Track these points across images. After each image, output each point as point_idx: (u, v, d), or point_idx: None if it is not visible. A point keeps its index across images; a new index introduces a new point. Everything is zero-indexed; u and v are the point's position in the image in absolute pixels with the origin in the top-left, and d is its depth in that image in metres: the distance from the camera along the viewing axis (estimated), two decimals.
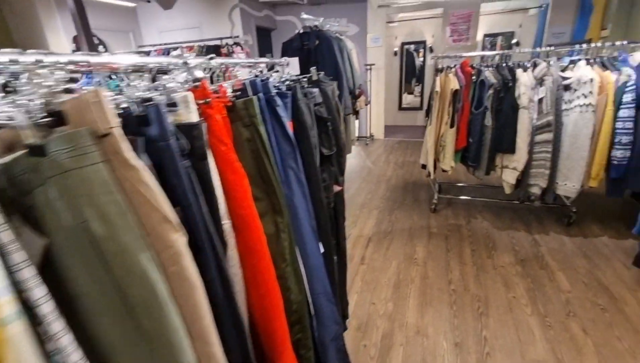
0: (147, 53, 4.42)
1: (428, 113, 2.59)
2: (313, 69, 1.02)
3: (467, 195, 3.09)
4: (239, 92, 0.64)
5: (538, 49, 2.29)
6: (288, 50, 2.91)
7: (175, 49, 4.34)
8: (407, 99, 7.07)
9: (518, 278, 1.92)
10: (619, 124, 1.98)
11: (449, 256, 2.17)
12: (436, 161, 2.57)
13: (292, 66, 1.26)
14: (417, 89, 6.98)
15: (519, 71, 2.15)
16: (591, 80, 1.97)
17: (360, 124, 5.80)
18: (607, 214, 2.59)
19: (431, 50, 6.41)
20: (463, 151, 2.41)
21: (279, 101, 0.67)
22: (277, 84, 0.74)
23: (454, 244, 2.31)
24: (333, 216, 1.13)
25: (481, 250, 2.22)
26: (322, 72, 1.20)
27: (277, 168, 0.64)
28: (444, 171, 2.59)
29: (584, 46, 2.17)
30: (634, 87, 1.91)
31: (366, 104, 3.66)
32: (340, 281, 1.23)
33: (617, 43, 2.08)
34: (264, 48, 5.69)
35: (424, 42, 6.45)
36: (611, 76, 1.97)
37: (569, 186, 2.16)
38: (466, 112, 2.27)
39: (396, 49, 6.63)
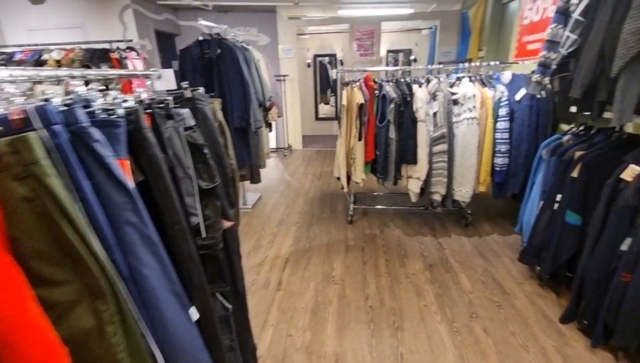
0: (10, 56, 3.63)
1: (340, 124, 2.61)
2: (184, 84, 0.84)
3: (381, 204, 3.20)
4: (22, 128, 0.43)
5: (430, 66, 2.47)
6: (187, 59, 2.63)
7: (50, 51, 3.63)
8: (324, 109, 7.23)
9: (428, 285, 1.99)
10: (497, 135, 2.23)
11: (366, 270, 2.16)
12: (349, 173, 2.58)
13: (165, 79, 1.05)
14: (332, 100, 7.18)
15: (415, 87, 2.28)
16: (474, 95, 2.19)
17: (277, 135, 5.68)
18: (495, 214, 2.93)
19: (342, 63, 6.68)
20: (372, 162, 2.46)
21: (97, 134, 0.47)
22: (108, 107, 0.54)
23: (369, 255, 2.32)
24: (225, 257, 0.96)
25: (394, 259, 2.27)
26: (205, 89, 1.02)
27: (93, 230, 0.44)
28: (356, 182, 2.62)
29: (466, 64, 2.42)
30: (507, 102, 2.18)
31: (279, 116, 3.56)
32: (241, 330, 1.06)
33: (491, 63, 2.36)
34: (168, 55, 5.18)
35: (335, 55, 6.69)
36: (489, 93, 2.22)
37: (463, 191, 2.36)
38: (372, 126, 2.32)
39: (309, 60, 6.73)
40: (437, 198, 2.41)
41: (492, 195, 2.40)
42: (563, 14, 1.72)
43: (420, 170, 2.31)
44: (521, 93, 2.20)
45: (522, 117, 2.19)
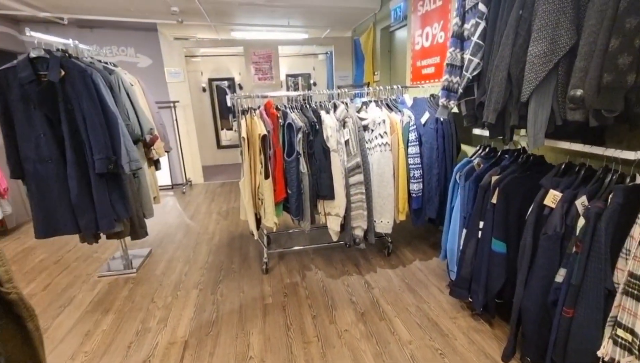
0: None
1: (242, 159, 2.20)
2: None
3: (299, 243, 2.85)
4: None
5: (334, 91, 2.29)
6: (11, 84, 1.86)
7: None
8: (227, 135, 6.66)
9: (364, 342, 1.70)
10: (410, 161, 2.14)
11: (291, 337, 1.75)
12: (258, 215, 2.18)
13: None
14: (236, 125, 6.69)
15: (322, 113, 2.04)
16: (384, 121, 2.06)
17: (172, 170, 4.90)
18: (412, 238, 2.88)
19: (240, 87, 6.30)
20: (284, 201, 2.11)
21: None
22: None
23: (294, 315, 1.93)
24: None
25: (322, 313, 1.93)
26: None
27: None
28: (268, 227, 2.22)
29: (369, 88, 2.31)
30: (414, 126, 2.11)
31: (167, 151, 2.95)
32: None
33: (394, 87, 2.31)
34: None
35: (232, 79, 6.27)
36: (396, 117, 2.13)
37: (384, 222, 2.20)
38: (279, 160, 1.99)
39: (204, 85, 6.15)
40: (359, 233, 2.18)
41: (412, 222, 2.29)
42: (459, 38, 1.69)
43: (339, 205, 2.05)
44: (425, 116, 2.17)
45: (429, 141, 2.15)
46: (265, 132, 1.91)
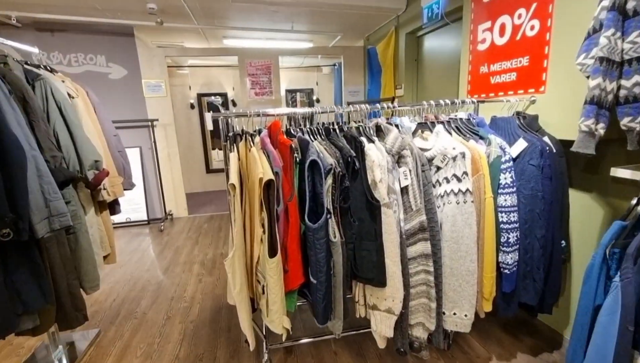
0: None
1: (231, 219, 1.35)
2: None
3: (314, 330, 1.99)
4: None
5: (377, 106, 1.50)
6: None
7: None
8: (219, 155, 5.85)
9: None
10: (502, 217, 1.34)
11: None
12: (256, 305, 1.33)
13: None
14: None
15: (364, 141, 1.24)
16: (462, 154, 1.27)
17: (149, 203, 4.04)
18: (481, 321, 2.04)
19: (234, 104, 5.55)
20: (301, 287, 1.27)
21: None
22: None
23: None
24: None
25: None
26: None
27: None
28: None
29: (409, 105, 1.53)
30: (510, 163, 1.32)
31: (128, 188, 2.11)
32: None
33: (463, 100, 1.53)
34: None
35: (225, 95, 5.52)
36: (479, 148, 1.34)
37: (459, 316, 1.37)
38: (294, 223, 1.16)
39: (192, 100, 5.38)
40: (419, 334, 1.35)
41: (497, 311, 1.46)
42: (621, 14, 0.94)
43: (393, 294, 1.23)
44: (520, 147, 1.39)
45: (530, 186, 1.36)
46: (271, 176, 1.10)
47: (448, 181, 1.31)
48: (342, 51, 4.47)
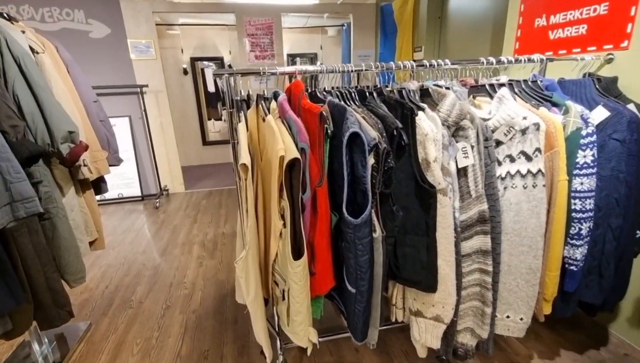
0: None
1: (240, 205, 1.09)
2: None
3: (333, 325, 1.79)
4: None
5: (391, 65, 1.19)
6: None
7: None
8: (215, 126, 5.49)
9: None
10: (576, 205, 1.09)
11: None
12: (274, 306, 1.10)
13: None
14: (226, 114, 5.51)
15: (414, 109, 0.95)
16: (537, 126, 0.99)
17: (142, 178, 3.75)
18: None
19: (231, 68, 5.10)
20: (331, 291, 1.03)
21: None
22: None
23: None
24: None
25: None
26: None
27: None
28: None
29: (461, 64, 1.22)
30: (593, 138, 1.05)
31: (114, 164, 1.82)
32: None
33: (530, 58, 1.22)
34: None
35: (221, 59, 5.07)
36: (556, 119, 1.06)
37: (513, 319, 1.15)
38: (325, 214, 0.90)
39: (185, 65, 4.94)
40: (466, 340, 1.14)
41: (554, 314, 1.25)
42: None
43: (444, 300, 1.00)
44: (599, 116, 1.11)
45: (610, 165, 1.10)
46: (296, 153, 0.82)
47: (513, 160, 1.04)
48: (352, 9, 4.02)
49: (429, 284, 0.95)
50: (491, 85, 1.14)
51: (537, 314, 1.18)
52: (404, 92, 1.06)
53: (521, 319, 1.15)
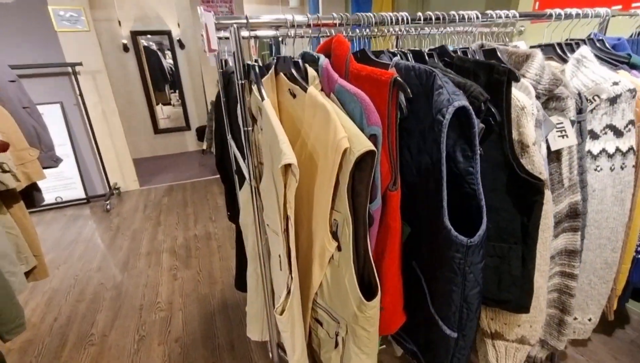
0: None
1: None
2: None
3: None
4: None
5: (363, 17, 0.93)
6: None
7: None
8: (164, 112, 4.84)
9: None
10: None
11: None
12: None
13: None
14: (175, 97, 4.87)
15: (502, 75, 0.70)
16: (633, 93, 0.80)
17: (84, 176, 3.13)
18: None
19: (181, 46, 4.48)
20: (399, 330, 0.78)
21: None
22: None
23: None
24: None
25: None
26: None
27: None
28: None
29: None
30: None
31: (50, 164, 1.37)
32: None
33: (603, 10, 1.02)
34: None
35: (168, 33, 4.40)
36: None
37: (581, 320, 1.00)
38: (397, 229, 0.62)
39: (125, 40, 4.21)
40: (535, 352, 0.97)
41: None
42: None
43: (533, 318, 0.79)
44: None
45: None
46: (369, 145, 0.53)
47: (595, 137, 0.85)
48: None
49: (522, 304, 0.74)
50: (568, 44, 0.93)
51: (607, 312, 1.04)
52: (468, 52, 0.80)
53: (590, 320, 1.00)
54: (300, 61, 0.67)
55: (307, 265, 0.72)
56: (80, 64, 2.83)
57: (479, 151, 0.55)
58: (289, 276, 0.64)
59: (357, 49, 0.83)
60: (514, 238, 0.72)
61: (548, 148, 0.76)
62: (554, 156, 0.78)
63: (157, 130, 4.74)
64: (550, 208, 0.71)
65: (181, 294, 1.85)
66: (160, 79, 4.65)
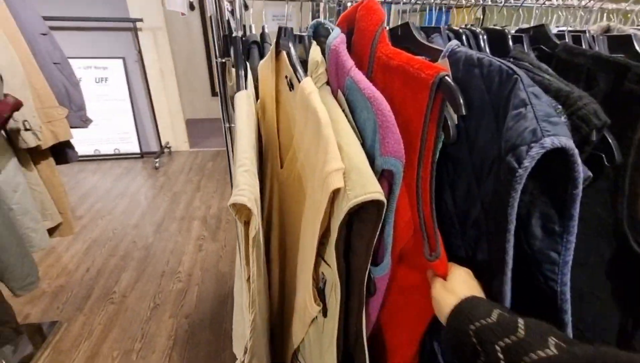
0: None
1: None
2: None
3: None
4: None
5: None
6: None
7: None
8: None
9: None
10: None
11: None
12: None
13: None
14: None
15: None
16: None
17: (140, 133, 3.28)
18: None
19: (246, 6, 4.34)
20: None
21: None
22: None
23: None
24: None
25: None
26: None
27: None
28: None
29: None
30: None
31: (79, 125, 1.35)
32: None
33: None
34: None
35: None
36: None
37: None
38: (427, 310, 0.42)
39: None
40: None
41: None
42: None
43: None
44: None
45: None
46: (374, 189, 0.32)
47: None
48: None
49: None
50: None
51: None
52: (583, 40, 0.51)
53: None
54: (306, 35, 0.46)
55: (290, 312, 0.55)
56: (140, 20, 2.86)
57: (575, 226, 0.31)
58: (248, 340, 0.47)
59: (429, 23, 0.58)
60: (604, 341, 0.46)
61: None
62: None
63: (214, 92, 4.80)
64: None
65: (202, 267, 1.83)
66: (225, 43, 4.63)
